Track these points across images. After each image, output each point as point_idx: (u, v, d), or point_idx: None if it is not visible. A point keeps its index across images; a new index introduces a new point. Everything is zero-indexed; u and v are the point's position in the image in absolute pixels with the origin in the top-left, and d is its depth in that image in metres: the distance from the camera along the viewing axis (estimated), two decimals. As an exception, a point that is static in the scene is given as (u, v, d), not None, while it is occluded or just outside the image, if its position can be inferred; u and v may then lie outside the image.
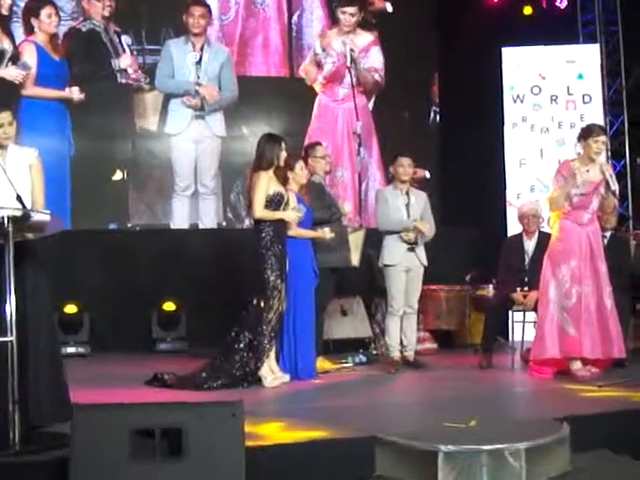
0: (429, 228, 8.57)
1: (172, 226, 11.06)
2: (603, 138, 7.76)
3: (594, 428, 5.57)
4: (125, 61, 10.88)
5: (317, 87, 11.69)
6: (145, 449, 4.12)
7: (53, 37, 10.55)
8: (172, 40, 11.10)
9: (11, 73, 10.23)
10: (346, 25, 11.69)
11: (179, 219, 11.07)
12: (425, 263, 8.58)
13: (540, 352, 7.74)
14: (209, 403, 4.70)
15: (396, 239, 8.47)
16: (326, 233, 8.00)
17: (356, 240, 9.01)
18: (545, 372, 7.79)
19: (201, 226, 11.16)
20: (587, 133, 7.72)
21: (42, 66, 10.45)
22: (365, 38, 11.83)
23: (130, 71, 10.88)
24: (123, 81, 10.90)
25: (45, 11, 10.46)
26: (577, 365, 7.59)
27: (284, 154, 7.55)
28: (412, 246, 8.47)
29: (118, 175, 10.88)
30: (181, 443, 4.13)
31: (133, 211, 10.94)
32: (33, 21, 10.44)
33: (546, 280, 7.76)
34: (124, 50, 10.88)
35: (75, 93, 10.57)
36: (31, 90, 10.38)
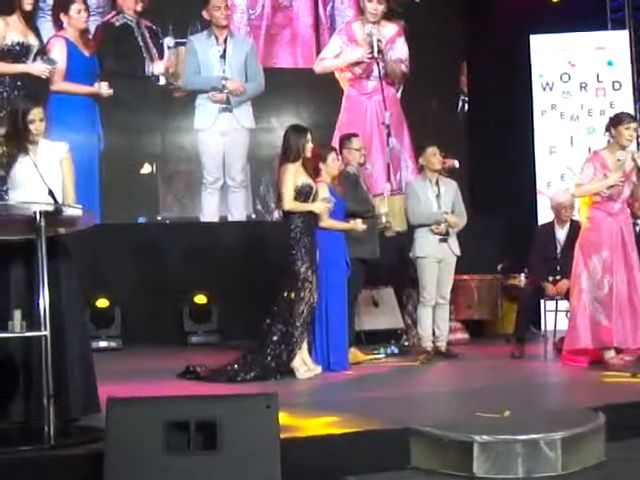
0: (459, 220, 8.54)
1: (202, 219, 11.07)
2: (634, 125, 7.70)
3: (629, 417, 5.53)
4: (158, 68, 10.90)
5: (342, 82, 11.65)
6: (180, 442, 4.13)
7: (83, 32, 10.59)
8: (194, 35, 11.12)
9: (38, 68, 10.27)
10: (372, 15, 11.63)
11: (209, 212, 11.10)
12: (458, 253, 8.56)
13: (573, 342, 7.70)
14: (243, 395, 4.70)
15: (427, 231, 8.44)
16: (358, 224, 7.97)
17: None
18: (579, 361, 7.75)
19: (230, 219, 11.17)
20: (617, 121, 7.65)
21: (72, 62, 10.51)
22: (390, 29, 11.79)
23: (162, 79, 10.92)
24: (152, 78, 10.93)
25: (75, 6, 10.51)
26: (610, 354, 7.54)
27: (310, 145, 7.52)
28: (444, 237, 8.44)
29: (147, 169, 10.92)
30: (216, 436, 4.13)
31: (162, 205, 10.96)
32: (62, 17, 10.50)
33: (578, 271, 7.72)
34: (158, 52, 10.88)
35: (104, 88, 10.61)
36: (60, 85, 10.44)
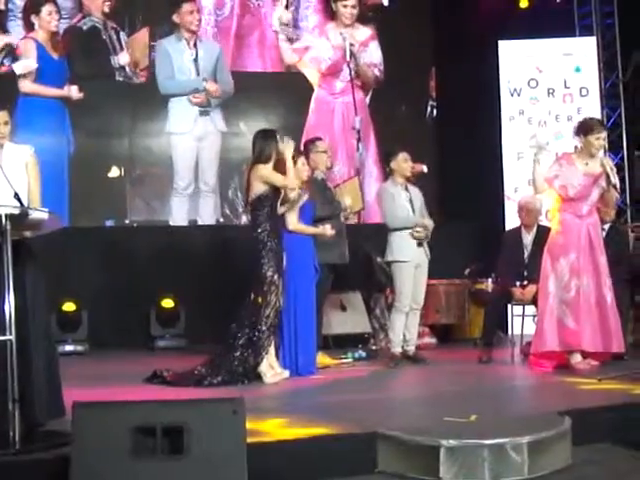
0: (431, 223, 8.57)
1: (171, 223, 11.04)
2: (604, 134, 7.75)
3: (595, 421, 5.57)
4: (124, 58, 10.85)
5: (312, 78, 11.65)
6: (146, 447, 4.11)
7: (53, 35, 10.56)
8: (165, 39, 11.07)
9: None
10: (347, 18, 11.66)
11: (178, 216, 11.06)
12: (429, 257, 8.56)
13: (540, 345, 7.73)
14: (210, 400, 4.70)
15: (405, 235, 8.42)
16: (327, 230, 7.98)
17: (353, 189, 9.01)
18: (545, 365, 7.78)
19: (200, 222, 11.14)
20: (587, 129, 7.67)
21: (42, 64, 10.49)
22: (363, 32, 11.81)
23: (128, 69, 10.86)
24: (121, 79, 10.87)
25: (46, 8, 10.49)
26: (577, 358, 7.59)
27: (280, 146, 7.54)
28: (420, 241, 8.44)
29: (115, 172, 10.86)
30: (182, 440, 4.12)
31: (131, 208, 10.92)
32: (34, 18, 10.47)
33: (545, 273, 7.76)
34: (122, 47, 10.85)
35: (74, 92, 10.57)
36: (30, 88, 10.39)
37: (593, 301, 7.62)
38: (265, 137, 7.60)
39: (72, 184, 10.52)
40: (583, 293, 7.59)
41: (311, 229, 7.95)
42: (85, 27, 10.77)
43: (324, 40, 11.65)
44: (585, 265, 7.63)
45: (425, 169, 8.66)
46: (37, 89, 10.45)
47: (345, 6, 11.70)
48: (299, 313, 7.73)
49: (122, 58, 10.87)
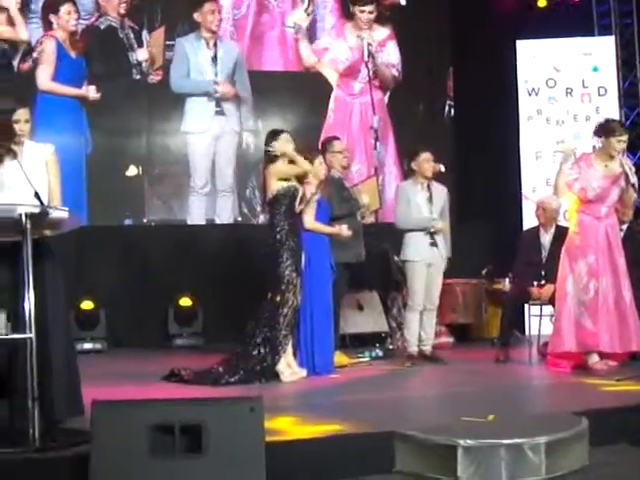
0: (445, 225, 8.56)
1: (189, 222, 11.05)
2: (625, 137, 7.69)
3: (613, 422, 5.56)
4: (142, 54, 10.87)
5: (331, 79, 11.66)
6: (165, 445, 4.12)
7: (72, 35, 10.57)
8: (184, 37, 11.06)
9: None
10: (364, 22, 11.65)
11: (196, 215, 11.07)
12: (445, 257, 8.55)
13: (557, 345, 7.73)
14: (228, 399, 4.71)
15: (417, 235, 8.42)
16: (343, 230, 7.99)
17: (371, 189, 9.03)
18: (562, 366, 7.78)
19: (217, 221, 11.15)
20: (609, 131, 7.63)
21: (60, 63, 10.48)
22: (381, 33, 11.80)
23: (145, 65, 10.87)
24: (138, 77, 10.89)
25: (65, 8, 10.49)
26: (594, 359, 7.57)
27: (288, 145, 7.56)
28: (434, 241, 8.43)
29: (133, 171, 10.88)
30: (201, 439, 4.13)
31: (149, 207, 10.94)
32: (52, 17, 10.47)
33: (564, 274, 7.74)
34: (140, 46, 10.87)
35: (91, 92, 10.59)
36: (48, 86, 10.41)
37: (612, 302, 7.60)
38: (272, 137, 7.65)
39: (90, 183, 10.52)
40: (602, 294, 7.57)
41: (327, 228, 7.96)
42: (102, 26, 10.78)
43: (341, 41, 11.64)
44: (604, 266, 7.61)
45: (442, 168, 8.64)
46: (55, 87, 10.47)
47: (362, 11, 11.67)
48: (315, 312, 7.74)
49: (140, 54, 10.88)
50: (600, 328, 7.53)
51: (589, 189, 7.64)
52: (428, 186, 8.55)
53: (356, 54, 11.42)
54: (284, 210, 7.46)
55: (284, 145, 7.52)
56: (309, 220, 7.76)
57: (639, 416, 5.69)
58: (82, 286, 9.52)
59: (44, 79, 10.41)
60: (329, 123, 11.48)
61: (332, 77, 11.68)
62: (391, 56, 11.85)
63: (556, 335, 7.74)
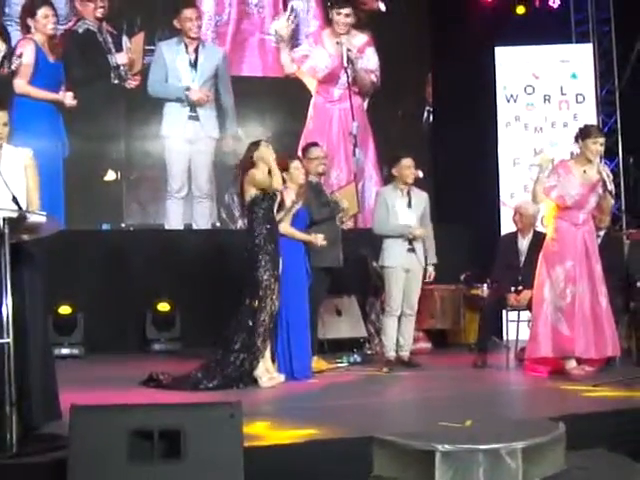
0: (423, 232, 8.58)
1: (166, 226, 11.03)
2: (602, 140, 7.78)
3: (590, 427, 5.58)
4: (121, 59, 10.84)
5: (310, 86, 11.67)
6: (143, 450, 4.11)
7: (51, 38, 10.52)
8: (164, 42, 11.05)
9: None
10: (341, 26, 11.68)
11: (174, 220, 11.06)
12: (423, 264, 8.58)
13: (534, 351, 7.77)
14: (207, 404, 4.70)
15: (394, 241, 8.47)
16: (318, 239, 8.00)
17: (350, 195, 9.05)
18: (540, 371, 7.81)
19: (195, 227, 11.14)
20: (586, 134, 7.72)
21: (38, 67, 10.44)
22: (360, 39, 11.85)
23: (123, 70, 10.84)
24: (117, 82, 10.86)
25: (42, 11, 10.46)
26: (571, 364, 7.61)
27: (265, 152, 7.58)
28: (412, 247, 8.47)
29: (112, 176, 10.85)
30: (179, 444, 4.12)
31: (127, 212, 10.92)
32: (29, 22, 10.43)
33: (541, 280, 7.78)
34: (118, 50, 10.84)
35: (68, 98, 10.53)
36: (25, 89, 10.36)
37: (588, 308, 7.65)
38: (250, 145, 7.71)
39: (68, 187, 10.48)
40: (579, 300, 7.62)
41: (301, 235, 7.96)
42: (80, 30, 10.74)
43: (320, 49, 11.67)
44: (581, 273, 7.66)
45: (421, 174, 8.68)
46: (31, 91, 10.42)
47: (339, 14, 11.73)
48: (292, 318, 7.74)
49: (119, 58, 10.84)
50: (576, 334, 7.57)
51: (567, 197, 7.68)
52: (408, 192, 8.59)
53: (335, 61, 11.46)
54: (262, 215, 7.47)
55: (264, 153, 7.54)
56: (284, 225, 7.78)
57: (615, 421, 5.73)
58: (60, 291, 9.47)
59: (21, 82, 10.36)
60: (309, 129, 11.50)
61: (311, 84, 11.71)
62: (370, 62, 11.89)
63: (533, 340, 7.78)
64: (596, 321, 7.65)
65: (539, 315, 7.76)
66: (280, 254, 7.54)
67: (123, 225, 10.90)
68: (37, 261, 5.41)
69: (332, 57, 11.55)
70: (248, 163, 7.58)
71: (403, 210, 8.53)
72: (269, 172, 7.52)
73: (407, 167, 8.55)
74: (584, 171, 7.69)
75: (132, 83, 10.92)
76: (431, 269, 8.68)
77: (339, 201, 8.61)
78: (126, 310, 10.27)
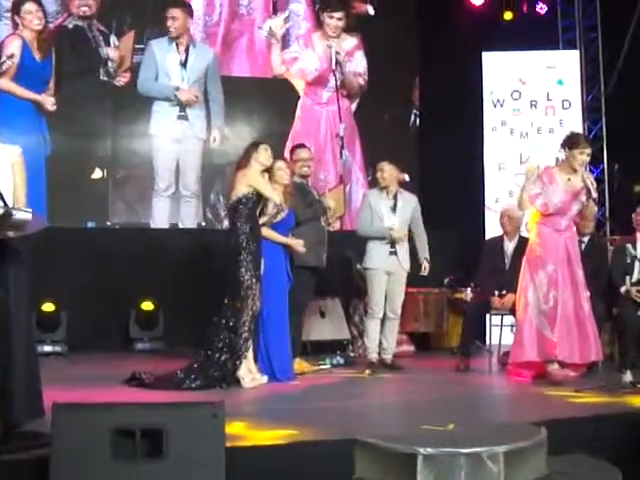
0: (402, 234, 8.58)
1: (152, 225, 11.01)
2: (589, 150, 7.82)
3: (571, 432, 5.61)
4: (111, 52, 10.80)
5: (298, 87, 11.67)
6: (126, 449, 4.10)
7: (38, 35, 10.44)
8: (155, 40, 11.02)
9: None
10: (332, 29, 11.68)
11: (159, 219, 11.04)
12: (407, 268, 8.61)
13: (519, 355, 7.79)
14: (190, 404, 4.70)
15: (376, 243, 8.51)
16: (299, 245, 7.99)
17: (337, 196, 9.07)
18: (523, 375, 7.84)
19: (181, 226, 11.13)
20: (573, 143, 7.74)
21: (23, 64, 10.36)
22: (350, 42, 11.84)
23: (111, 67, 10.80)
24: (105, 79, 10.82)
25: (25, 7, 10.38)
26: (554, 366, 7.63)
27: (264, 154, 7.59)
28: (393, 250, 8.50)
29: (98, 174, 10.82)
30: (162, 443, 4.12)
31: (113, 210, 10.90)
32: (16, 18, 10.38)
33: (524, 284, 7.81)
34: (110, 45, 10.81)
35: (48, 103, 10.45)
36: (7, 86, 10.29)
37: (571, 313, 7.68)
38: (249, 146, 7.72)
39: (53, 184, 10.43)
40: (562, 305, 7.65)
41: (281, 238, 7.92)
42: (70, 25, 10.69)
43: (310, 51, 11.66)
44: (563, 277, 7.69)
45: (407, 177, 8.71)
46: (14, 89, 10.33)
47: (331, 17, 11.71)
48: (271, 319, 7.71)
49: (111, 51, 10.79)
50: (560, 338, 7.60)
51: (551, 204, 7.72)
52: (395, 195, 8.61)
53: (324, 63, 11.46)
54: (246, 214, 7.45)
55: (262, 156, 7.56)
56: (264, 229, 7.74)
57: (597, 426, 5.76)
58: (43, 288, 9.44)
59: (3, 80, 10.28)
60: (296, 130, 11.49)
61: (300, 85, 11.69)
62: (359, 65, 11.89)
63: (518, 345, 7.80)
64: (580, 326, 7.69)
65: (524, 319, 7.78)
66: (262, 255, 7.53)
67: (109, 223, 10.86)
68: (22, 258, 5.40)
69: (321, 59, 11.55)
70: (243, 163, 7.59)
71: (386, 213, 8.56)
72: (269, 178, 7.58)
73: (380, 170, 8.66)
74: (568, 179, 7.72)
75: (121, 80, 10.88)
76: (426, 264, 8.71)
77: (323, 201, 8.61)
78: (109, 308, 10.25)
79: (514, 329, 8.12)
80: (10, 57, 10.18)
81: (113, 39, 10.85)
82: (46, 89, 10.55)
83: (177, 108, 11.08)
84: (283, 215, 7.82)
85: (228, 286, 7.44)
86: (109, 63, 10.81)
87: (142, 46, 11.03)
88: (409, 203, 8.70)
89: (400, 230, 8.55)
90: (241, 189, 7.48)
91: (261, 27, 11.51)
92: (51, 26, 10.62)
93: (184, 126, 11.13)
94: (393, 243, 8.51)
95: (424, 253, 8.72)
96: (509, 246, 8.85)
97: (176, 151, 11.11)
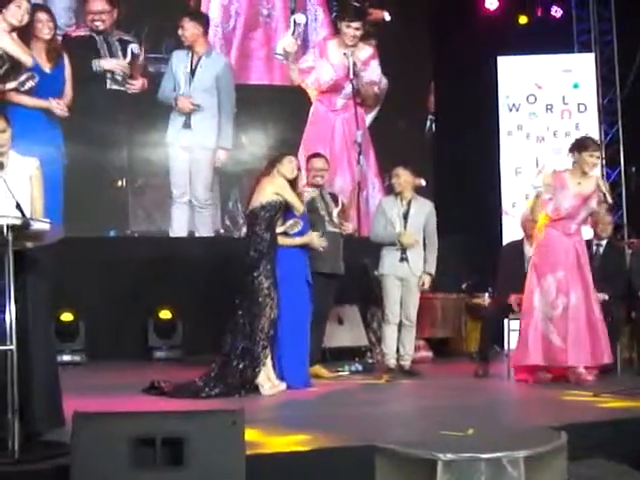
0: (411, 240, 8.56)
1: (171, 234, 11.04)
2: (598, 153, 7.89)
3: (591, 437, 5.59)
4: (108, 63, 10.81)
5: (311, 94, 11.68)
6: (146, 458, 4.11)
7: (48, 45, 10.45)
8: (177, 51, 11.09)
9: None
10: (350, 39, 11.65)
11: (178, 227, 11.07)
12: (418, 274, 8.59)
13: (523, 358, 7.88)
14: (210, 411, 4.70)
15: (388, 250, 8.51)
16: (314, 237, 7.94)
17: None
18: (527, 378, 7.87)
19: (198, 234, 11.14)
20: (582, 147, 7.77)
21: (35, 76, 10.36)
22: (366, 52, 11.83)
23: (121, 76, 10.81)
24: (117, 87, 10.83)
25: (37, 16, 10.35)
26: (580, 369, 7.68)
27: (290, 166, 7.62)
28: (404, 256, 8.49)
29: (116, 182, 10.84)
30: (182, 452, 4.12)
31: (133, 218, 10.92)
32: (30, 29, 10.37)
33: (530, 288, 7.89)
34: (124, 56, 10.83)
35: (56, 107, 10.43)
36: (17, 98, 10.28)
37: (583, 316, 7.74)
38: (274, 158, 7.84)
39: (70, 194, 10.39)
40: (571, 310, 7.70)
41: (297, 240, 7.88)
42: (82, 34, 10.72)
43: (325, 62, 11.65)
44: (573, 282, 7.75)
45: (423, 182, 8.72)
46: (24, 100, 10.30)
47: (349, 26, 11.67)
48: (290, 326, 7.69)
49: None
50: (569, 344, 7.66)
51: (562, 209, 7.77)
52: (409, 202, 8.60)
53: (340, 72, 11.42)
54: (267, 221, 7.46)
55: (285, 168, 7.57)
56: (280, 236, 7.71)
57: (616, 430, 5.74)
58: (62, 298, 9.46)
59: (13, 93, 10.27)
60: (308, 136, 11.48)
61: (314, 93, 11.69)
62: (373, 74, 11.88)
63: (521, 348, 7.87)
64: (592, 329, 7.72)
65: (529, 322, 7.85)
66: (277, 262, 7.53)
67: (129, 232, 10.89)
68: (41, 268, 5.43)
69: (336, 68, 11.51)
70: (267, 172, 7.62)
71: (398, 219, 8.55)
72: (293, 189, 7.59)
73: (396, 175, 8.65)
74: (579, 183, 7.74)
75: (134, 89, 10.89)
76: (426, 278, 8.65)
77: (329, 204, 8.59)
78: (128, 317, 10.28)
79: (519, 331, 8.12)
80: (31, 78, 10.20)
81: (132, 47, 10.84)
82: (61, 97, 10.53)
83: (183, 117, 11.09)
84: (299, 227, 7.80)
85: (245, 293, 7.44)
86: (120, 73, 10.80)
87: (160, 55, 11.04)
88: (423, 209, 8.68)
89: (410, 236, 8.52)
90: (266, 196, 7.47)
91: (275, 48, 11.50)
92: (59, 37, 10.63)
93: (188, 135, 11.13)
94: (404, 249, 8.50)
95: (428, 267, 8.66)
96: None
97: (187, 159, 11.12)
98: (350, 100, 11.01)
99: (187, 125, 11.11)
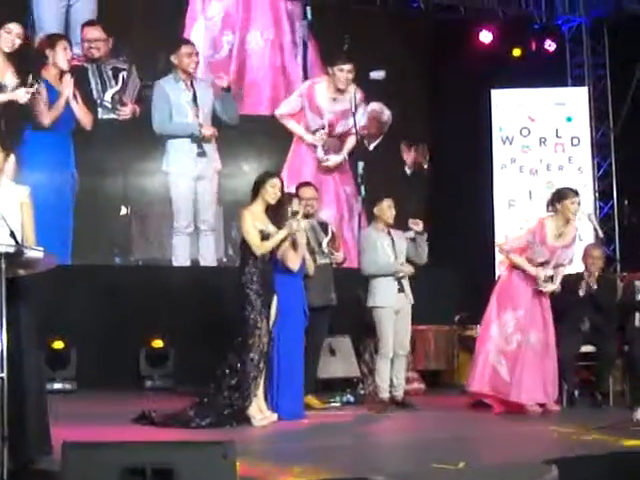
0: (411, 269, 8.59)
1: (174, 262, 11.04)
2: (578, 199, 8.07)
3: (583, 470, 5.57)
4: (109, 94, 10.84)
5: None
6: (135, 488, 4.10)
7: (63, 73, 10.49)
8: (163, 79, 11.00)
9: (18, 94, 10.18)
10: (342, 83, 11.59)
11: (181, 256, 11.05)
12: (412, 301, 8.59)
13: (470, 384, 8.20)
14: (201, 443, 4.68)
15: (385, 281, 8.46)
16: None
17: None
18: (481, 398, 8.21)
19: (203, 263, 11.12)
20: (563, 196, 8.02)
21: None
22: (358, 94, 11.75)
23: (113, 102, 10.84)
24: (119, 117, 10.86)
25: (59, 45, 10.43)
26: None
27: (272, 189, 7.51)
28: (401, 287, 8.48)
29: (120, 210, 10.85)
30: (172, 482, 4.11)
31: (135, 246, 10.92)
32: (48, 53, 10.41)
33: (489, 318, 8.14)
34: (115, 84, 10.85)
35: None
36: (51, 114, 10.35)
37: (540, 354, 8.00)
38: (257, 179, 7.66)
39: (78, 221, 10.49)
40: (525, 349, 7.92)
41: (276, 237, 7.49)
42: (85, 64, 10.75)
43: (309, 111, 11.68)
44: (534, 321, 8.01)
45: (421, 226, 8.63)
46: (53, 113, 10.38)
47: (342, 70, 11.56)
48: (286, 358, 7.69)
49: (107, 94, 10.82)
50: (515, 380, 7.88)
51: (534, 261, 8.02)
52: (389, 232, 8.61)
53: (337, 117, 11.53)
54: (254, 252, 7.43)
55: (268, 193, 7.47)
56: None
57: (608, 464, 5.73)
58: (53, 325, 9.44)
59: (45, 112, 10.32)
60: (291, 164, 11.54)
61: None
62: (363, 119, 11.88)
63: (471, 373, 8.19)
64: (545, 367, 8.00)
65: (481, 350, 8.13)
66: (274, 292, 7.50)
67: (132, 259, 10.91)
68: (32, 295, 5.42)
69: (323, 113, 11.62)
70: (252, 198, 7.57)
71: (390, 249, 8.54)
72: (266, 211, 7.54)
73: (389, 207, 8.58)
74: (560, 235, 7.95)
75: (124, 116, 10.89)
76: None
77: (319, 235, 8.59)
78: (120, 346, 10.21)
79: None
80: (36, 83, 10.24)
81: (122, 74, 10.87)
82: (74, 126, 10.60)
83: (195, 145, 11.07)
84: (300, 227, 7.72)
85: (237, 324, 7.42)
86: (113, 100, 10.82)
87: (149, 83, 11.01)
88: (401, 239, 8.64)
89: (410, 265, 8.55)
90: (248, 226, 7.45)
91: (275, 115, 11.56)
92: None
93: (203, 163, 11.13)
94: (400, 279, 8.49)
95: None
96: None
97: (194, 187, 11.11)
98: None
99: (202, 153, 11.10)
